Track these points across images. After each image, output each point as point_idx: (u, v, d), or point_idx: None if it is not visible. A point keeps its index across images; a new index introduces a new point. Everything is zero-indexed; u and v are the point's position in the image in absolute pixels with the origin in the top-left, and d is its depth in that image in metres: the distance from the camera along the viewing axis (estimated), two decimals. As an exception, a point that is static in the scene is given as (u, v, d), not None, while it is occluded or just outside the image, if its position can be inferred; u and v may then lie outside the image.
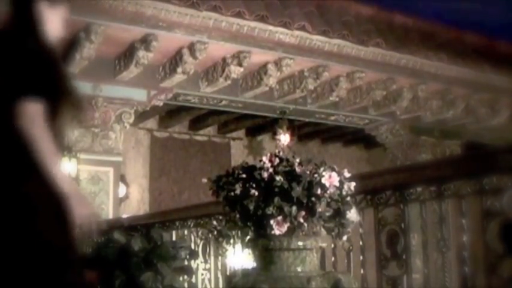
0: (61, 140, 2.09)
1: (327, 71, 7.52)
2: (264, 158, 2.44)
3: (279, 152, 2.48)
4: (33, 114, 1.93)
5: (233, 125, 10.36)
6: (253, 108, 8.39)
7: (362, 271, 3.09)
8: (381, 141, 9.73)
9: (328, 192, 2.39)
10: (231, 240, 3.99)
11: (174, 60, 6.93)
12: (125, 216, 7.41)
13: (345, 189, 2.45)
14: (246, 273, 2.59)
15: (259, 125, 10.31)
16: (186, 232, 4.74)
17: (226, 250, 4.24)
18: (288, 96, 8.07)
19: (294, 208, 2.35)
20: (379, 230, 3.02)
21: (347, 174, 2.47)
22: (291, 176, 2.38)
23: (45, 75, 2.00)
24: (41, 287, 1.91)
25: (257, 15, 6.59)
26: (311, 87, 7.74)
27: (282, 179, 2.37)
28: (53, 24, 2.19)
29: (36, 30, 2.11)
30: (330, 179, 2.39)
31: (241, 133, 10.93)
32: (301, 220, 2.36)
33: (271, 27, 6.78)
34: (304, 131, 10.45)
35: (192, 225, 4.67)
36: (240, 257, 3.98)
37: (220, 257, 4.39)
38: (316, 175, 2.39)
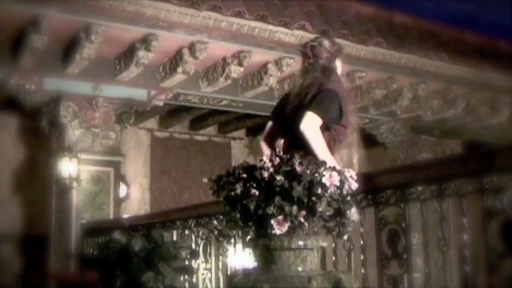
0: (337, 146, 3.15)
1: (327, 71, 7.51)
2: (265, 158, 2.44)
3: (279, 152, 2.48)
4: (309, 119, 2.98)
5: (233, 124, 10.36)
6: (254, 108, 8.37)
7: (363, 270, 3.09)
8: (382, 141, 9.71)
9: (328, 191, 2.39)
10: (232, 240, 4.01)
11: (175, 60, 6.93)
12: (125, 216, 7.41)
13: (345, 189, 2.45)
14: (246, 272, 2.60)
15: (260, 125, 10.27)
16: (186, 232, 4.74)
17: (227, 250, 4.24)
18: (289, 95, 8.05)
19: (295, 208, 2.35)
20: (380, 229, 3.02)
21: (347, 174, 2.47)
22: (292, 175, 2.38)
23: (327, 105, 3.08)
24: None
25: (257, 14, 6.59)
26: (311, 86, 7.73)
27: (282, 179, 2.37)
28: (340, 68, 3.46)
29: (333, 75, 3.31)
30: (330, 178, 2.39)
31: (241, 133, 10.93)
32: (302, 219, 2.36)
33: (271, 27, 6.77)
34: (304, 131, 10.42)
35: (192, 225, 4.67)
36: (240, 257, 3.98)
37: (221, 257, 4.39)
38: (316, 174, 2.39)
